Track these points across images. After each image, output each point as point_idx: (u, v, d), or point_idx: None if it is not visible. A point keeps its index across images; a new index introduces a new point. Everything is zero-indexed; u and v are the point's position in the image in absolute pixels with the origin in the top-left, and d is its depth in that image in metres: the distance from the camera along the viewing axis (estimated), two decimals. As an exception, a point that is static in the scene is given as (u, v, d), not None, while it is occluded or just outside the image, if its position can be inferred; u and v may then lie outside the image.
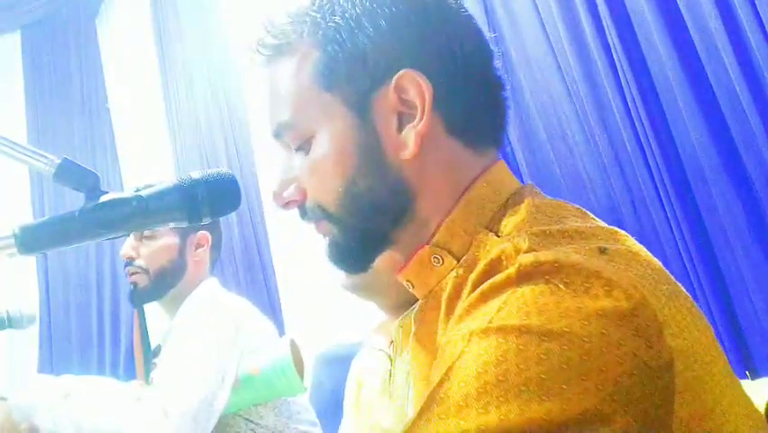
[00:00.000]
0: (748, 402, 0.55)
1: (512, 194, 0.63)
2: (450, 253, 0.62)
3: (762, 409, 0.69)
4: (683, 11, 1.81)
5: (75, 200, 0.64)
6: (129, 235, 1.57)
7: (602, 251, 0.51)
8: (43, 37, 3.71)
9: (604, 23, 1.95)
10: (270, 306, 2.84)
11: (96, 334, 3.36)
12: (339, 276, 1.08)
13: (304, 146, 0.65)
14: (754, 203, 1.75)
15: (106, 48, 3.59)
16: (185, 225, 0.66)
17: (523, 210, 0.59)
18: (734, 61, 1.71)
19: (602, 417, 0.44)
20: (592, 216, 0.62)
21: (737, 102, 1.73)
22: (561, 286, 0.47)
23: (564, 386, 0.44)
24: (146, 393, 1.34)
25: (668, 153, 1.87)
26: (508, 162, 2.20)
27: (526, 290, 0.48)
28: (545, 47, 2.13)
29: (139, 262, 1.56)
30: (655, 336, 0.46)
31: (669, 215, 1.86)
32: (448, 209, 0.63)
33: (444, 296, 0.60)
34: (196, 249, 1.62)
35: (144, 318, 1.61)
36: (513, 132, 2.19)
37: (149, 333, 1.61)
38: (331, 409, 1.67)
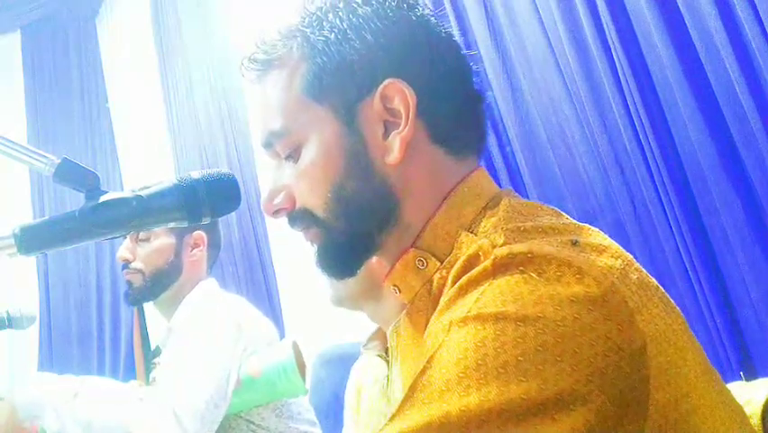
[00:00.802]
0: (724, 390, 0.57)
1: (491, 198, 0.65)
2: (433, 255, 0.64)
3: (759, 409, 0.69)
4: (683, 11, 1.81)
5: (75, 200, 0.64)
6: (127, 236, 1.57)
7: (574, 243, 0.54)
8: (43, 37, 3.71)
9: (604, 23, 1.95)
10: (270, 306, 2.84)
11: (96, 334, 3.36)
12: (327, 291, 1.11)
13: (293, 154, 0.67)
14: (754, 203, 1.75)
15: (106, 48, 3.59)
16: (185, 225, 0.67)
17: (500, 210, 0.62)
18: (734, 61, 1.71)
19: (578, 397, 0.46)
20: (566, 216, 0.64)
21: (737, 102, 1.73)
22: (534, 276, 0.50)
23: (540, 367, 0.46)
24: (149, 394, 1.35)
25: (668, 153, 1.87)
26: (508, 162, 2.20)
27: (502, 282, 0.51)
28: (545, 47, 2.13)
29: (135, 264, 1.56)
30: (626, 320, 0.49)
31: (669, 214, 1.86)
32: (431, 213, 0.65)
33: (430, 298, 0.63)
34: (192, 249, 1.61)
35: (144, 318, 1.61)
36: (513, 132, 2.19)
37: (149, 333, 1.61)
38: (331, 409, 1.68)
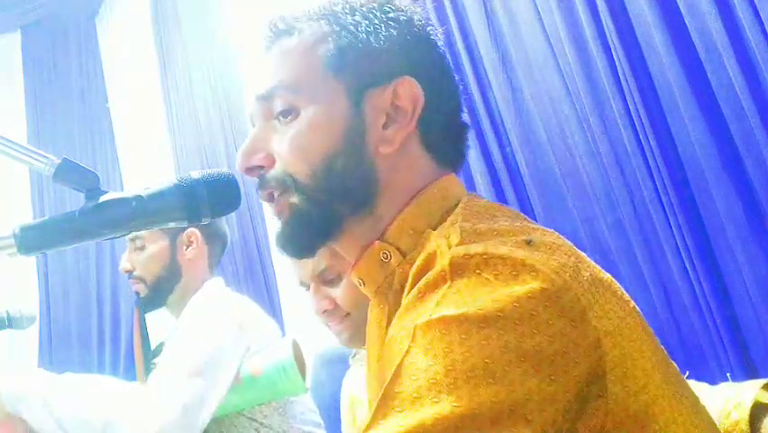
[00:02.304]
0: (683, 382, 0.59)
1: (458, 201, 0.68)
2: (398, 249, 0.66)
3: (746, 414, 0.70)
4: (683, 11, 1.81)
5: (75, 200, 0.64)
6: (127, 235, 1.57)
7: (528, 242, 0.56)
8: (43, 37, 3.71)
9: (604, 23, 1.95)
10: (270, 306, 2.83)
11: (96, 334, 3.36)
12: (337, 337, 1.13)
13: (291, 112, 0.68)
14: (754, 203, 1.75)
15: (106, 48, 3.59)
16: (185, 225, 0.67)
17: (458, 210, 0.65)
18: (734, 62, 1.71)
19: (545, 396, 0.48)
20: (525, 217, 0.67)
21: (737, 102, 1.73)
22: (491, 278, 0.52)
23: (507, 369, 0.47)
24: (139, 389, 1.35)
25: (668, 153, 1.87)
26: (508, 162, 2.20)
27: (461, 285, 0.52)
28: (545, 47, 2.13)
29: (136, 273, 1.58)
30: (579, 317, 0.51)
31: (669, 215, 1.86)
32: (401, 209, 0.67)
33: (391, 291, 0.65)
34: (187, 248, 1.61)
35: (144, 318, 1.61)
36: (513, 132, 2.19)
37: (149, 333, 1.61)
38: (331, 410, 1.67)
